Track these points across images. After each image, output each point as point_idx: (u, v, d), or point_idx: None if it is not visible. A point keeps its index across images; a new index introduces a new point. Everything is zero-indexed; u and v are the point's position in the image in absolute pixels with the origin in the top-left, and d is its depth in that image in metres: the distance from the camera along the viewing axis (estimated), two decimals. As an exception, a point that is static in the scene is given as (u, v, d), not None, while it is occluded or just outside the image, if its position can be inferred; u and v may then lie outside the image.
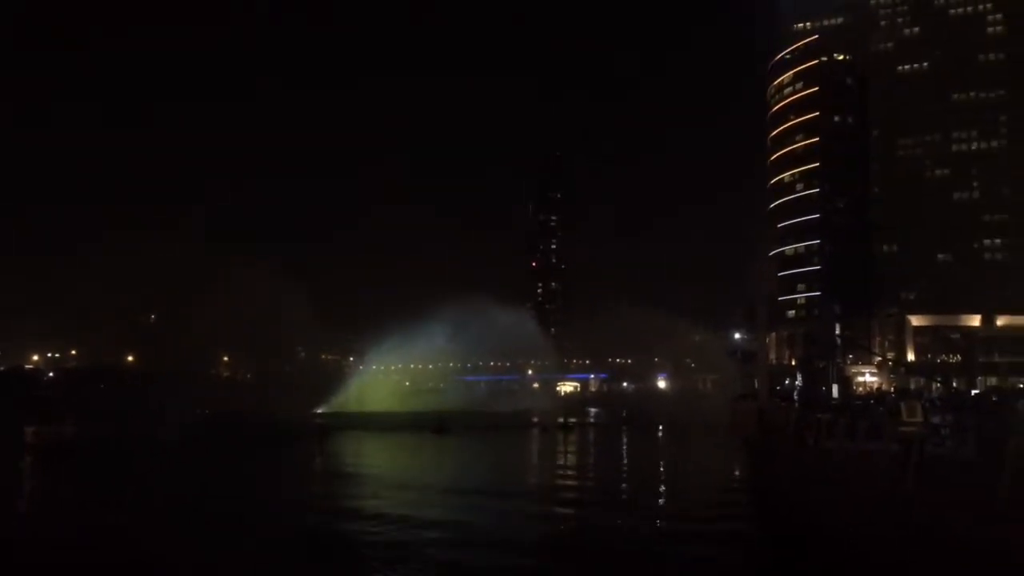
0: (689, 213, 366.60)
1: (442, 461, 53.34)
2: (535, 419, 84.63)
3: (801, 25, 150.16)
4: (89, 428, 75.33)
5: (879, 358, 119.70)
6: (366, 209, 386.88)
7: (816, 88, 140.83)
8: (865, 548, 15.94)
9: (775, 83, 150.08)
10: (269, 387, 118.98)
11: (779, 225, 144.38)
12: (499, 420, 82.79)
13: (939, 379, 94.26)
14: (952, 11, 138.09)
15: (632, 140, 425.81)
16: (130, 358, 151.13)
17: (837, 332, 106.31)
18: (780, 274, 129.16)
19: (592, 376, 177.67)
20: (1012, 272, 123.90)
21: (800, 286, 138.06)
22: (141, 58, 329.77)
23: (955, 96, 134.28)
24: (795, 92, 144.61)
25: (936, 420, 27.61)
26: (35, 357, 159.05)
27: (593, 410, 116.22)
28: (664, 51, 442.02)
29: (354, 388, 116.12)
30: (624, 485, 42.93)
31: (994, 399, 49.82)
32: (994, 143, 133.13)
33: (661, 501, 35.64)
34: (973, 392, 77.41)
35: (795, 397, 68.59)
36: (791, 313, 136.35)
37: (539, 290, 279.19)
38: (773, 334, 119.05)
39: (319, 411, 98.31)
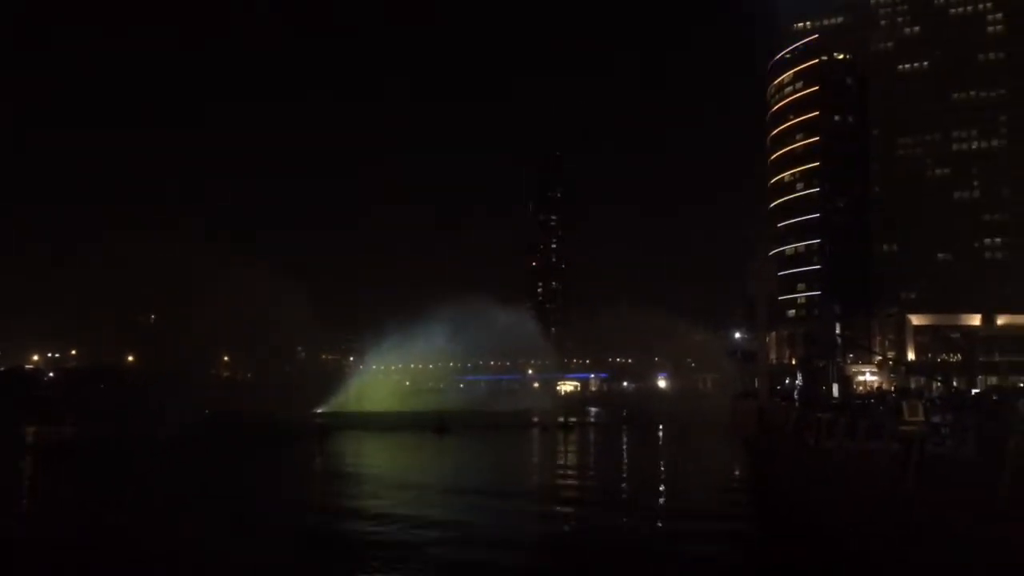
0: (689, 213, 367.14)
1: (442, 461, 53.32)
2: (535, 419, 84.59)
3: (801, 24, 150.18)
4: (89, 428, 75.26)
5: (879, 357, 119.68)
6: (366, 209, 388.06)
7: (816, 87, 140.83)
8: (865, 547, 15.93)
9: (775, 82, 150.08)
10: (269, 387, 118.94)
11: (779, 224, 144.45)
12: (499, 420, 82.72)
13: (939, 378, 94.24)
14: (952, 10, 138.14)
15: (632, 140, 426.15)
16: (130, 358, 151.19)
17: (837, 331, 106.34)
18: (780, 273, 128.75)
19: (592, 376, 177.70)
20: (1012, 271, 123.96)
21: (800, 285, 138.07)
22: (141, 58, 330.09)
23: (955, 95, 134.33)
24: (795, 91, 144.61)
25: (936, 419, 27.61)
26: (35, 357, 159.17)
27: (593, 410, 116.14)
28: (664, 51, 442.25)
29: (354, 388, 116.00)
30: (624, 485, 42.92)
31: (994, 398, 49.87)
32: (994, 142, 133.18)
33: (661, 501, 35.62)
34: (973, 391, 77.43)
35: (795, 396, 68.64)
36: (791, 312, 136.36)
37: (539, 289, 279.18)
38: (773, 333, 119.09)
39: (319, 411, 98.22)
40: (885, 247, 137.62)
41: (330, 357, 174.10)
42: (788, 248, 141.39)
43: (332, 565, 22.31)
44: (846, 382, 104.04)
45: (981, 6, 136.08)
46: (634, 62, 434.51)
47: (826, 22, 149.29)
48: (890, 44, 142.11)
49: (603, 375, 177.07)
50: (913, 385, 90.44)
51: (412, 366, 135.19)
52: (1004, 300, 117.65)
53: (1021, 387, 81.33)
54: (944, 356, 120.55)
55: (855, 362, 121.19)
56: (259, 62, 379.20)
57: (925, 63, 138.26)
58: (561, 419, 78.79)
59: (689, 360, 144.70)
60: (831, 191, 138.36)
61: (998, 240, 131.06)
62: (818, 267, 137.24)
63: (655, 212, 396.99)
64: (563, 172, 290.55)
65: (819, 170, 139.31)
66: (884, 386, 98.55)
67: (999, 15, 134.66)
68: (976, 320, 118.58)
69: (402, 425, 76.25)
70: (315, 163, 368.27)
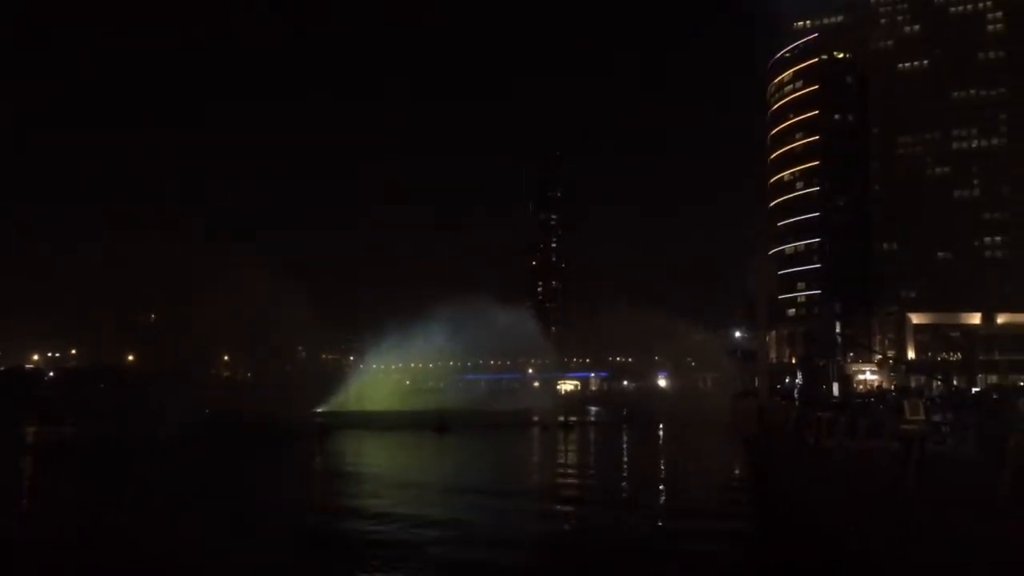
0: (689, 213, 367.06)
1: (442, 460, 53.34)
2: (535, 418, 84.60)
3: (801, 23, 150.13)
4: (89, 428, 75.27)
5: (879, 356, 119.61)
6: (366, 209, 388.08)
7: (816, 86, 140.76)
8: (865, 546, 15.92)
9: (775, 81, 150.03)
10: (269, 387, 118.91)
11: (779, 223, 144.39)
12: (499, 419, 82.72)
13: (940, 377, 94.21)
14: (952, 9, 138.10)
15: (632, 140, 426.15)
16: (130, 358, 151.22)
17: (837, 330, 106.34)
18: (780, 272, 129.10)
19: (592, 375, 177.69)
20: (1012, 270, 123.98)
21: (800, 284, 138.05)
22: (141, 58, 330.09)
23: (955, 94, 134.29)
24: (795, 90, 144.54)
25: (937, 418, 27.61)
26: (35, 356, 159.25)
27: (593, 409, 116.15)
28: (664, 51, 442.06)
29: (354, 387, 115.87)
30: (625, 484, 42.93)
31: (994, 397, 49.93)
32: (994, 141, 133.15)
33: (662, 500, 35.62)
34: (973, 390, 77.48)
35: (795, 395, 68.59)
36: (791, 311, 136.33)
37: (539, 289, 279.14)
38: (773, 332, 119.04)
39: (319, 410, 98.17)
40: (885, 246, 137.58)
41: (330, 356, 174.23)
42: (788, 247, 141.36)
43: (332, 564, 22.31)
44: (846, 381, 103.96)
45: (981, 5, 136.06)
46: (634, 62, 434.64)
47: (826, 21, 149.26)
48: (890, 43, 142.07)
49: (603, 374, 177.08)
50: (913, 384, 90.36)
51: (412, 365, 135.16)
52: (1004, 299, 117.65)
53: (1021, 386, 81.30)
54: (944, 355, 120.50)
55: (855, 361, 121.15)
56: (259, 62, 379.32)
57: (925, 62, 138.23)
58: (561, 418, 78.81)
59: (689, 359, 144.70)
60: (831, 190, 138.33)
61: (998, 239, 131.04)
62: (818, 266, 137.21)
63: (655, 212, 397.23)
64: (563, 172, 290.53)
65: (819, 169, 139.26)
66: (884, 385, 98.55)
67: (999, 14, 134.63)
68: (976, 319, 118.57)
69: (402, 424, 76.27)
70: (315, 163, 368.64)
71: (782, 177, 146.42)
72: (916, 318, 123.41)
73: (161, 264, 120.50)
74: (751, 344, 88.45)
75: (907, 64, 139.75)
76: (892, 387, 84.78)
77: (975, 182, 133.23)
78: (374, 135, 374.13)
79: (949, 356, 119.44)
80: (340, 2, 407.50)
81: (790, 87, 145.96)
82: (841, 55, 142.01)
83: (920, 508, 15.79)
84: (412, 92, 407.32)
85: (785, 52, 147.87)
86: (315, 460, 52.87)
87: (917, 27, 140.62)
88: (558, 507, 33.05)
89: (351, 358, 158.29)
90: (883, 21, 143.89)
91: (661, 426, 79.06)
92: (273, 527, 27.69)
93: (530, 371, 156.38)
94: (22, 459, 50.71)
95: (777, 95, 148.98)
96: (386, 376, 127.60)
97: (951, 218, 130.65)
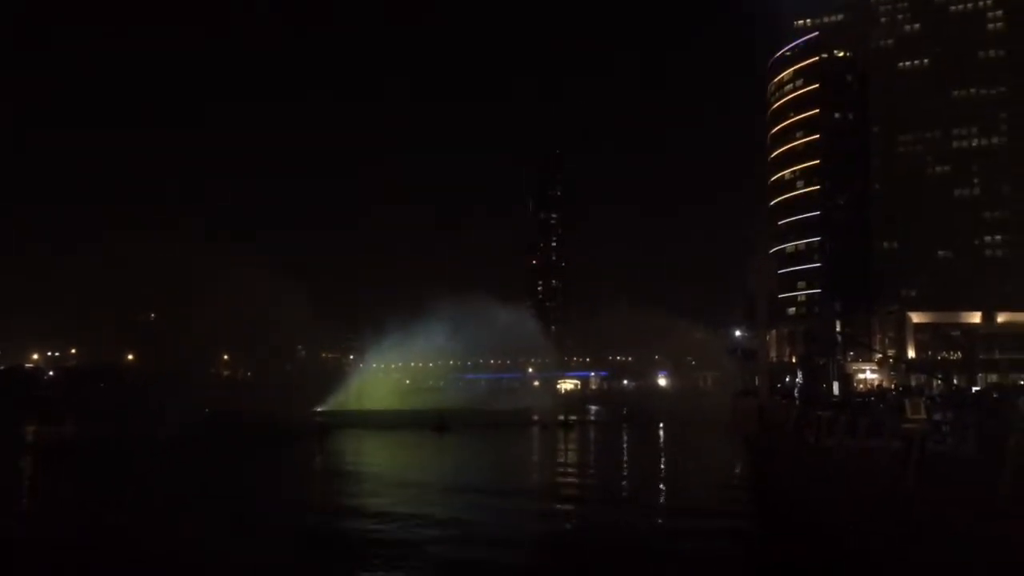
0: (689, 213, 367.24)
1: (442, 459, 53.32)
2: (535, 417, 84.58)
3: (801, 22, 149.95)
4: (89, 428, 75.28)
5: (879, 355, 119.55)
6: (366, 209, 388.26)
7: (816, 85, 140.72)
8: (866, 545, 15.89)
9: (775, 80, 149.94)
10: (269, 386, 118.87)
11: (779, 222, 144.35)
12: (499, 418, 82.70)
13: (940, 376, 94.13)
14: (952, 7, 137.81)
15: (632, 140, 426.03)
16: (130, 357, 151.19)
17: (837, 329, 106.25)
18: (780, 271, 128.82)
19: (592, 374, 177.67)
20: (1012, 269, 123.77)
21: (800, 283, 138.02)
22: (141, 58, 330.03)
23: (955, 92, 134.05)
24: (795, 89, 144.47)
25: (937, 417, 27.56)
26: (35, 356, 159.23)
27: (593, 408, 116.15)
28: (664, 51, 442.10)
29: (354, 386, 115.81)
30: (625, 483, 42.90)
31: (995, 396, 49.87)
32: (994, 139, 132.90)
33: (662, 499, 35.59)
34: (974, 389, 77.40)
35: (795, 394, 68.50)
36: (791, 310, 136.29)
37: (539, 288, 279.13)
38: (773, 331, 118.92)
39: (319, 409, 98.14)
40: (885, 244, 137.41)
41: (330, 356, 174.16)
42: (788, 246, 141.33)
43: (333, 564, 22.31)
44: (846, 380, 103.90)
45: (981, 3, 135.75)
46: (634, 62, 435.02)
47: (826, 19, 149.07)
48: (890, 41, 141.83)
49: (603, 373, 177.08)
50: (913, 383, 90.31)
51: (412, 364, 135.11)
52: (1004, 297, 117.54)
53: (1021, 385, 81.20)
54: (944, 354, 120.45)
55: (855, 360, 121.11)
56: (259, 62, 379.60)
57: (925, 60, 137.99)
58: (561, 417, 78.78)
59: (689, 358, 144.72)
60: (831, 188, 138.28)
61: (998, 237, 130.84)
62: (818, 265, 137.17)
63: (655, 212, 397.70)
64: (563, 171, 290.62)
65: (819, 167, 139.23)
66: (884, 384, 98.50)
67: (999, 12, 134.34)
68: (976, 318, 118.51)
69: (402, 423, 76.23)
70: (315, 163, 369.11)
71: (782, 176, 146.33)
72: (916, 317, 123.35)
73: (161, 264, 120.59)
74: (751, 343, 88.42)
75: (907, 62, 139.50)
76: (893, 386, 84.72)
77: (975, 181, 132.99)
78: (374, 135, 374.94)
79: (949, 355, 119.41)
80: (340, 2, 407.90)
81: (790, 86, 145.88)
82: (841, 53, 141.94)
83: (920, 507, 15.77)
84: (412, 92, 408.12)
85: (785, 51, 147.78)
86: (315, 459, 52.86)
87: (917, 25, 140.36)
88: (558, 506, 33.04)
89: (351, 357, 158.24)
90: (883, 19, 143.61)
91: (661, 425, 79.04)
92: (273, 526, 27.68)
93: (530, 370, 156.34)
94: (22, 459, 50.71)
95: (777, 94, 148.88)
96: (386, 375, 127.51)
97: (951, 217, 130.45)
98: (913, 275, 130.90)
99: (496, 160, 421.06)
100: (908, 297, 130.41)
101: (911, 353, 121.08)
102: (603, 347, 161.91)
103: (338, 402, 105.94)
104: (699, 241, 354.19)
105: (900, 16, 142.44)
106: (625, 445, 65.72)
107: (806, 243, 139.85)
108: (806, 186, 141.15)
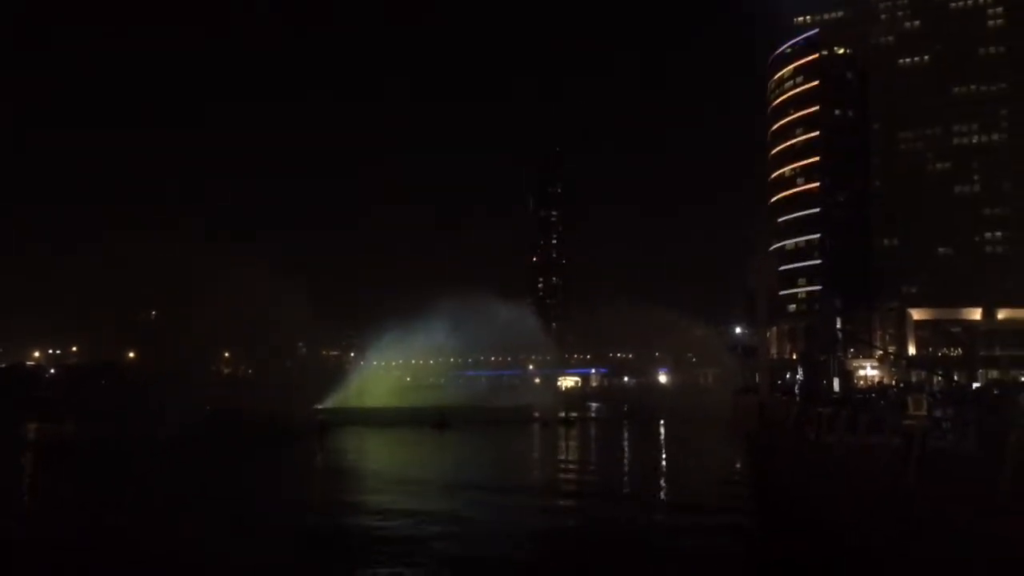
0: (689, 213, 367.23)
1: (443, 456, 53.33)
2: (536, 414, 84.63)
3: (801, 19, 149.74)
4: (89, 427, 75.27)
5: (880, 352, 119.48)
6: (366, 209, 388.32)
7: (816, 82, 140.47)
8: (866, 541, 15.90)
9: (775, 77, 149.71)
10: (270, 384, 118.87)
11: (779, 220, 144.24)
12: (500, 415, 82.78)
13: (940, 372, 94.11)
14: (952, 4, 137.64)
15: (632, 140, 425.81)
16: (131, 355, 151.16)
17: (838, 326, 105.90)
18: (781, 268, 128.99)
19: (593, 371, 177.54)
20: (1013, 265, 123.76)
21: (801, 280, 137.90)
22: (141, 58, 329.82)
23: (956, 89, 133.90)
24: (795, 86, 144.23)
25: (937, 414, 27.53)
26: (36, 354, 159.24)
27: (594, 405, 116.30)
28: (664, 51, 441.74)
29: (355, 384, 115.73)
30: (626, 479, 42.95)
31: (995, 392, 49.80)
32: (995, 136, 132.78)
33: (662, 495, 35.62)
34: (974, 385, 77.37)
35: (796, 391, 68.47)
36: (792, 307, 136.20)
37: (540, 285, 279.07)
38: (774, 328, 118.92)
39: (320, 407, 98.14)
40: (886, 241, 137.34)
41: (331, 353, 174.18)
42: (788, 243, 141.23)
43: (339, 560, 22.36)
44: (847, 377, 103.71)
45: (981, 0, 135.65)
46: (634, 62, 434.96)
47: (826, 16, 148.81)
48: (890, 38, 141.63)
49: (604, 370, 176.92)
50: (914, 379, 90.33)
51: (413, 362, 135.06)
52: (1005, 294, 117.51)
53: (1022, 381, 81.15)
54: (945, 350, 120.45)
55: (856, 356, 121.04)
56: (259, 62, 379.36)
57: (925, 57, 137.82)
58: (562, 414, 78.86)
59: (690, 355, 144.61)
60: (831, 186, 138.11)
61: (999, 234, 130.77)
62: (819, 262, 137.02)
63: (655, 212, 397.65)
64: (563, 169, 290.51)
65: (819, 165, 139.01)
66: (885, 380, 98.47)
67: (999, 9, 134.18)
68: (977, 314, 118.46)
69: (402, 421, 76.32)
70: (315, 163, 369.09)
71: (783, 173, 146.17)
72: (917, 314, 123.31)
73: (161, 264, 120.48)
74: (752, 340, 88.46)
75: (907, 59, 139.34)
76: (893, 383, 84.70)
77: (976, 178, 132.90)
78: (374, 135, 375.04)
79: (950, 351, 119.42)
80: (340, 2, 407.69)
81: (790, 83, 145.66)
82: (841, 51, 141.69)
83: (921, 503, 15.76)
84: (412, 92, 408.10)
85: (785, 48, 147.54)
86: (316, 457, 52.87)
87: (917, 22, 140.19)
88: (560, 502, 33.10)
89: (352, 355, 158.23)
90: (883, 16, 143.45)
91: (662, 422, 79.07)
92: (276, 524, 27.71)
93: (531, 367, 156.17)
94: (22, 458, 50.71)
95: (777, 91, 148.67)
96: (387, 373, 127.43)
97: (952, 214, 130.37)
98: (913, 272, 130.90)
99: (496, 160, 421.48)
100: (908, 294, 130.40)
101: (912, 350, 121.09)
102: (604, 344, 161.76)
103: (339, 400, 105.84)
104: (699, 241, 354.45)
105: (900, 13, 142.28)
106: (626, 442, 65.74)
107: (806, 240, 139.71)
108: (806, 183, 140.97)
